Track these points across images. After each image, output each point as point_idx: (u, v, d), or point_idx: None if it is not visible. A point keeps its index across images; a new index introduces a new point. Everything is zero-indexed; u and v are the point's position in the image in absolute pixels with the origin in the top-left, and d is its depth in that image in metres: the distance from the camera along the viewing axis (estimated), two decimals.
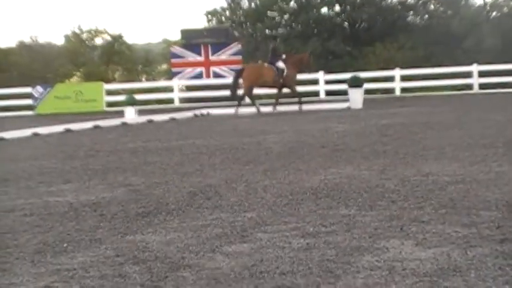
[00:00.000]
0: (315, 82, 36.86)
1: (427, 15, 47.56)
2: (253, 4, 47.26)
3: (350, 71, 33.56)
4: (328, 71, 37.68)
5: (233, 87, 28.41)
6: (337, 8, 47.75)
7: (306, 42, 43.96)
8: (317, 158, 11.56)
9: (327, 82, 36.84)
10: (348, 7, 46.64)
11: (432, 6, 47.48)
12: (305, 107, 27.73)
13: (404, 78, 36.29)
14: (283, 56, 28.12)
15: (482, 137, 13.46)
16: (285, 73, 27.52)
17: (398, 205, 7.27)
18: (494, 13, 45.17)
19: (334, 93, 34.91)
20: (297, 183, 9.03)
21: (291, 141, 15.01)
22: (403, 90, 36.32)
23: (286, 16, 47.18)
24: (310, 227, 6.40)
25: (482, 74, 35.10)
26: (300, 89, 30.05)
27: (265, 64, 28.31)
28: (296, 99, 27.90)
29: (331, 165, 10.54)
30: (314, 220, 6.70)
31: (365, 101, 28.09)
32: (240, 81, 28.36)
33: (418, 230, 6.06)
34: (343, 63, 41.88)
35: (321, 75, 36.68)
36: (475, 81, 35.00)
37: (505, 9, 44.81)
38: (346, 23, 47.83)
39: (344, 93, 29.60)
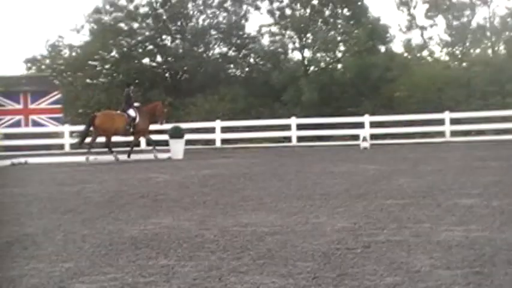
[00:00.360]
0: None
1: (247, 68, 48.55)
2: (74, 53, 46.75)
3: (171, 122, 33.62)
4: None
5: (83, 134, 28.03)
6: (158, 58, 47.98)
7: None
8: (137, 208, 11.54)
9: (148, 132, 36.75)
10: (169, 58, 46.93)
11: (252, 60, 48.52)
12: (125, 157, 27.59)
13: (224, 130, 36.77)
14: (136, 104, 28.18)
15: (300, 188, 13.84)
16: (136, 121, 27.49)
17: (218, 255, 7.38)
18: (312, 67, 46.63)
19: (156, 144, 34.84)
20: (116, 233, 8.99)
21: (111, 190, 14.88)
22: (224, 141, 36.79)
23: (107, 65, 46.90)
24: (129, 278, 6.41)
25: (300, 127, 36.08)
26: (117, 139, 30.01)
27: (118, 112, 28.05)
28: (150, 147, 28.50)
29: (151, 215, 10.55)
30: (133, 271, 6.70)
31: (186, 151, 28.24)
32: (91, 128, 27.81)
33: (237, 281, 6.18)
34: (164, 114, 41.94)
35: None
36: (294, 133, 35.92)
37: (322, 64, 46.39)
38: (167, 74, 48.07)
39: (165, 143, 29.62)
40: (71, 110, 44.00)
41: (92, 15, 46.93)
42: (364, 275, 6.27)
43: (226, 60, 48.08)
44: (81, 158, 27.54)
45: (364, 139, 31.62)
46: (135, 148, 30.20)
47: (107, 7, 47.07)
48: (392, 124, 35.82)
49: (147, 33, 47.10)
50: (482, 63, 43.60)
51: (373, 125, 35.23)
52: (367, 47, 44.51)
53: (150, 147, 28.45)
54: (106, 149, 27.89)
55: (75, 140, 29.07)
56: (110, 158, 27.10)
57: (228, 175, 17.98)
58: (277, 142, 36.67)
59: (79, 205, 12.26)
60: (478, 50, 48.81)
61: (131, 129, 27.62)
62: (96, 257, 7.48)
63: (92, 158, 26.96)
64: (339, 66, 46.86)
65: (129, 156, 27.28)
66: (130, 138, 28.72)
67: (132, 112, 27.57)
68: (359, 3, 46.55)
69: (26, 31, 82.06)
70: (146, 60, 47.95)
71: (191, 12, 47.98)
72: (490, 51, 48.33)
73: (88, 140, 27.93)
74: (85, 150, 27.71)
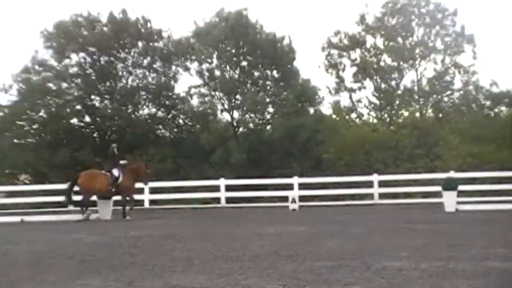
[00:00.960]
0: (63, 192, 36.27)
1: (176, 129, 48.58)
2: (1, 113, 46.20)
3: None
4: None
5: (68, 193, 27.95)
6: (87, 118, 47.72)
7: (55, 152, 43.39)
8: (65, 269, 11.41)
9: (76, 193, 36.36)
10: (98, 118, 46.70)
11: (181, 120, 48.59)
12: (53, 217, 27.29)
13: (153, 191, 36.58)
14: (122, 162, 28.47)
15: (229, 250, 13.84)
16: (119, 180, 27.54)
17: None
18: (241, 129, 46.87)
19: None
20: None
21: (39, 251, 14.68)
22: (152, 202, 36.60)
23: (35, 125, 46.44)
24: None
25: (229, 188, 36.10)
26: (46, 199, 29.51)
27: (102, 171, 28.11)
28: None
29: (79, 277, 10.45)
30: None
31: (114, 212, 28.02)
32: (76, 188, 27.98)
33: None
34: None
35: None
36: (222, 194, 35.90)
37: (251, 125, 46.64)
38: (96, 134, 47.79)
39: (93, 204, 29.32)
40: None
41: (20, 75, 46.56)
42: None
43: (155, 120, 48.07)
44: (8, 219, 27.12)
45: (293, 201, 31.74)
46: (64, 208, 29.89)
47: (36, 67, 46.81)
48: (321, 186, 36.10)
49: (75, 93, 46.85)
50: (410, 126, 44.39)
51: (302, 186, 35.43)
52: (296, 108, 45.03)
53: (127, 207, 28.07)
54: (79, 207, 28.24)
55: (63, 199, 28.83)
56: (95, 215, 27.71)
57: (156, 236, 17.89)
58: (206, 203, 36.62)
59: (6, 266, 12.07)
60: (406, 113, 49.72)
61: (113, 189, 27.59)
62: None
63: (94, 215, 27.51)
64: (268, 127, 47.17)
65: (124, 216, 27.18)
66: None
67: (115, 172, 27.65)
68: (289, 65, 47.14)
69: None
70: (74, 120, 47.62)
71: (120, 73, 47.95)
72: (418, 114, 49.29)
73: (77, 198, 28.45)
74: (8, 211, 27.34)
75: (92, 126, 47.70)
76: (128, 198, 28.16)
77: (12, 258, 13.33)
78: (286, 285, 9.22)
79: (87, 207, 27.50)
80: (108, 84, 47.50)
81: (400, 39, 49.46)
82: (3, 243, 16.74)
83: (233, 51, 46.82)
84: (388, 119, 49.57)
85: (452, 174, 31.90)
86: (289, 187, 34.95)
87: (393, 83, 49.53)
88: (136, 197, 36.18)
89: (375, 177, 35.01)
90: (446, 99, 50.15)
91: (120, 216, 27.36)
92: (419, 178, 35.00)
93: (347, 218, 23.86)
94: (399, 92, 49.46)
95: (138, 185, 36.05)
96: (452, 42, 49.37)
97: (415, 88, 49.59)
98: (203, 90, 47.93)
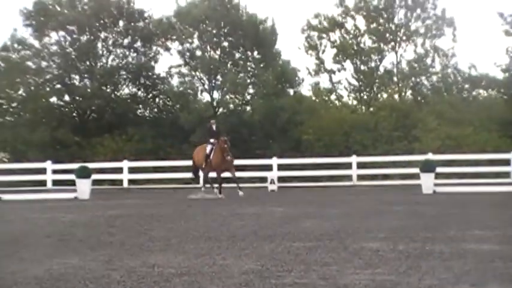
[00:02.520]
0: (42, 171, 36.20)
1: (156, 109, 48.49)
2: None
3: (78, 161, 33.31)
4: (56, 160, 37.20)
5: (192, 171, 29.30)
6: (66, 97, 47.49)
7: (34, 130, 43.22)
8: (42, 248, 11.36)
9: (55, 171, 36.28)
10: (77, 97, 46.50)
11: (161, 101, 48.47)
12: (31, 196, 27.20)
13: (132, 170, 36.52)
14: (211, 140, 27.58)
15: (207, 230, 13.83)
16: (210, 157, 27.29)
17: None
18: (221, 109, 46.81)
19: (62, 183, 34.44)
20: (21, 273, 8.83)
21: (17, 229, 14.64)
22: (131, 181, 36.52)
23: (14, 104, 46.20)
24: None
25: None
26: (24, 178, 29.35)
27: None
28: None
29: (56, 255, 10.40)
30: None
31: (93, 191, 27.95)
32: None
33: None
34: (71, 153, 41.54)
35: (48, 165, 36.11)
36: (201, 175, 35.74)
37: (231, 106, 46.60)
38: (75, 113, 47.63)
39: (72, 183, 29.25)
40: None
41: None
42: None
43: (135, 100, 47.97)
44: None
45: (272, 182, 31.82)
46: (43, 187, 29.77)
47: (15, 45, 46.50)
48: (299, 167, 36.17)
49: (55, 72, 46.66)
50: (388, 108, 44.45)
51: (281, 167, 35.45)
52: (276, 90, 45.07)
53: (208, 185, 28.12)
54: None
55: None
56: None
57: (135, 215, 17.86)
58: (185, 183, 36.55)
59: None
60: (385, 95, 49.81)
61: (203, 165, 27.64)
62: None
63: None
64: (248, 108, 47.16)
65: (220, 193, 26.87)
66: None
67: (208, 148, 27.54)
68: (269, 47, 47.11)
69: None
70: (54, 99, 47.46)
71: (100, 52, 47.76)
72: (397, 96, 49.39)
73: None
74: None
75: (72, 105, 47.57)
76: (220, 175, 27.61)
77: None
78: (264, 265, 9.22)
79: (207, 183, 27.97)
80: (87, 63, 47.31)
81: (381, 21, 49.39)
82: None
83: (214, 31, 46.74)
84: (367, 101, 49.61)
85: (430, 156, 31.99)
86: (268, 168, 34.96)
87: (373, 64, 49.53)
88: (115, 176, 36.24)
89: (354, 159, 35.09)
90: (425, 81, 50.24)
91: (98, 196, 27.31)
92: (397, 160, 35.11)
93: (325, 199, 23.93)
94: (379, 73, 49.48)
95: (117, 164, 36.18)
96: (433, 25, 49.41)
97: (395, 70, 49.64)
98: (183, 70, 47.92)
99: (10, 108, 46.31)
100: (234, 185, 27.72)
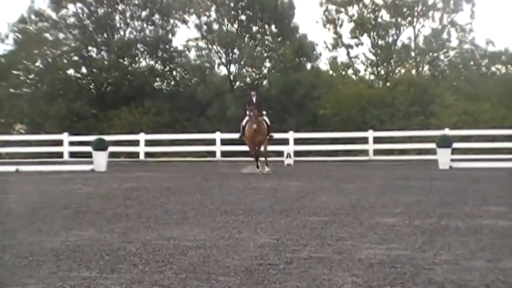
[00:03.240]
0: (59, 143, 36.31)
1: (173, 82, 48.46)
2: None
3: (95, 134, 33.40)
4: (73, 132, 37.30)
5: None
6: (83, 70, 47.56)
7: (51, 102, 43.36)
8: (59, 220, 11.42)
9: (71, 143, 36.37)
10: (95, 70, 46.59)
11: (178, 74, 48.43)
12: (48, 167, 27.34)
13: (148, 143, 36.57)
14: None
15: (223, 203, 13.85)
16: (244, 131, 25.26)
17: (140, 268, 7.35)
18: (237, 83, 46.75)
19: (79, 155, 34.53)
20: (37, 244, 8.88)
21: (33, 201, 14.69)
22: (147, 154, 36.56)
23: (31, 75, 46.32)
24: None
25: (224, 142, 35.97)
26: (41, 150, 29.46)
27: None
28: None
29: (73, 227, 10.46)
30: (54, 282, 6.64)
31: (109, 164, 28.01)
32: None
33: None
34: (88, 126, 41.65)
35: (65, 137, 36.20)
36: (218, 148, 35.83)
37: (248, 80, 46.51)
38: (92, 85, 47.70)
39: (88, 155, 29.32)
40: None
41: (17, 25, 46.38)
42: None
43: (152, 73, 47.94)
44: (3, 168, 27.09)
45: (288, 156, 31.77)
46: (60, 159, 29.84)
47: (33, 17, 46.57)
48: (316, 141, 36.11)
49: (72, 44, 46.72)
50: (406, 84, 44.25)
51: (298, 141, 35.40)
52: (293, 64, 44.90)
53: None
54: None
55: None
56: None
57: (151, 188, 17.91)
58: (202, 157, 36.60)
59: (0, 215, 12.07)
60: (402, 70, 49.58)
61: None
62: (17, 268, 7.38)
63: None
64: (265, 82, 47.05)
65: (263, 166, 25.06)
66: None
67: (244, 121, 25.43)
68: (287, 21, 46.95)
69: None
70: (71, 71, 47.54)
71: (118, 25, 47.79)
72: (414, 71, 49.15)
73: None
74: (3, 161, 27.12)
75: (89, 78, 47.64)
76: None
77: (7, 208, 13.35)
78: (279, 239, 9.23)
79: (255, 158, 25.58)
80: (105, 35, 47.36)
81: None
82: None
83: (232, 4, 46.63)
84: (384, 76, 49.40)
85: (447, 131, 31.88)
86: (285, 142, 34.88)
87: (390, 39, 49.26)
88: (132, 149, 36.30)
89: (370, 134, 34.98)
90: (442, 57, 49.93)
91: (115, 168, 27.37)
92: (414, 135, 35.02)
93: (341, 173, 23.89)
94: (396, 48, 49.21)
95: (134, 137, 36.22)
96: (451, 0, 49.05)
97: (412, 45, 49.36)
98: (201, 43, 47.87)
99: (27, 80, 46.46)
100: (243, 158, 27.36)
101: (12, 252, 8.36)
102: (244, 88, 45.66)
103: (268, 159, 26.40)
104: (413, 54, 49.43)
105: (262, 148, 25.59)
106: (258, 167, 25.09)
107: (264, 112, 25.74)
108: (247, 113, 24.79)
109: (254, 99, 25.26)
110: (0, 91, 44.72)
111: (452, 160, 27.26)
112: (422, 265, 7.49)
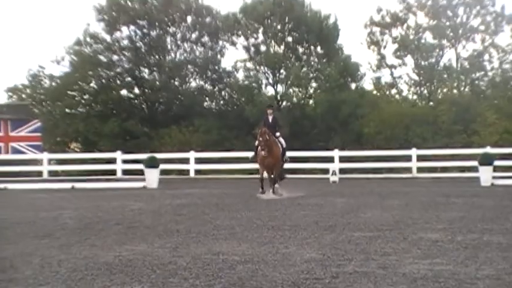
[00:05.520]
0: (112, 161, 36.64)
1: (222, 101, 48.64)
2: (54, 83, 46.65)
3: (147, 152, 33.63)
4: (126, 150, 37.60)
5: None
6: (136, 90, 48.01)
7: (104, 121, 43.82)
8: (112, 235, 11.51)
9: (124, 161, 36.66)
10: (147, 90, 47.02)
11: (227, 93, 48.61)
12: (102, 184, 27.61)
13: (198, 161, 36.72)
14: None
15: (270, 219, 13.86)
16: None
17: (190, 282, 7.38)
18: (284, 102, 46.83)
19: (131, 173, 34.77)
20: (91, 259, 8.96)
21: (87, 217, 14.83)
22: (197, 171, 36.71)
23: (86, 96, 46.89)
24: None
25: None
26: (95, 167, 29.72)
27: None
28: None
29: (125, 242, 10.53)
30: None
31: (161, 181, 28.17)
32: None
33: None
34: (140, 144, 41.95)
35: (118, 155, 36.50)
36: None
37: (294, 99, 46.57)
38: (144, 105, 48.10)
39: (141, 172, 29.52)
40: (50, 139, 43.89)
41: (73, 47, 47.00)
42: None
43: (202, 93, 48.18)
44: (59, 185, 27.41)
45: (334, 173, 31.68)
46: (113, 176, 30.04)
47: (88, 39, 47.15)
48: (360, 159, 35.97)
49: (125, 66, 47.21)
50: (448, 103, 43.94)
51: (342, 159, 35.32)
52: (339, 84, 44.83)
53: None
54: None
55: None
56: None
57: (201, 204, 17.98)
58: (249, 174, 36.61)
59: (56, 230, 12.21)
60: (444, 90, 49.25)
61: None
62: (72, 281, 7.45)
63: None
64: (311, 101, 47.03)
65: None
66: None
67: (257, 142, 22.36)
68: (332, 42, 47.00)
69: (7, 61, 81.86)
70: (124, 92, 47.99)
71: (169, 46, 48.17)
72: (455, 91, 48.80)
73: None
74: (59, 178, 27.33)
75: (141, 98, 48.07)
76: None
77: (63, 224, 13.48)
78: (325, 254, 9.21)
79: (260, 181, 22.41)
80: (157, 57, 47.79)
81: (442, 18, 48.94)
82: (54, 209, 16.95)
83: (279, 27, 46.78)
84: (427, 95, 49.14)
85: (488, 149, 31.54)
86: (330, 160, 34.86)
87: (433, 60, 49.02)
88: (182, 166, 36.47)
89: (413, 152, 34.78)
90: (483, 77, 49.53)
91: (166, 185, 27.51)
92: (456, 153, 34.67)
93: (385, 190, 23.75)
94: (438, 68, 48.94)
95: (184, 155, 36.41)
96: (492, 22, 48.74)
97: (454, 66, 49.06)
98: (249, 64, 48.00)
99: (82, 100, 46.97)
100: (295, 175, 26.77)
101: (67, 266, 8.45)
102: (291, 107, 45.78)
103: (314, 176, 25.94)
104: (455, 74, 49.09)
105: (273, 173, 22.19)
106: (263, 190, 21.63)
107: (278, 134, 22.59)
108: (258, 136, 21.91)
109: (270, 118, 22.45)
110: (56, 111, 45.33)
111: (494, 177, 27.02)
112: (464, 280, 7.42)
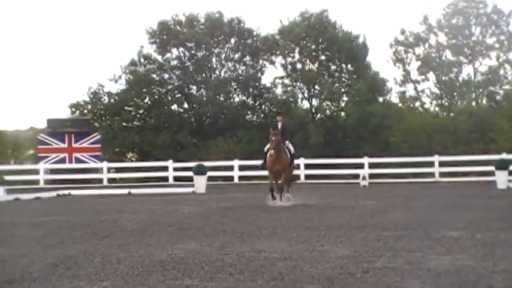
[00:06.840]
0: (164, 169, 36.84)
1: (262, 114, 48.69)
2: (112, 99, 47.09)
3: (195, 160, 33.74)
4: (177, 159, 37.78)
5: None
6: (185, 105, 48.31)
7: (157, 134, 44.17)
8: (165, 235, 11.57)
9: (175, 169, 36.82)
10: (195, 105, 47.29)
11: (266, 108, 48.67)
12: (155, 190, 27.76)
13: (242, 168, 36.76)
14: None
15: (307, 220, 13.83)
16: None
17: (235, 277, 7.39)
18: (318, 115, 46.81)
19: (181, 179, 34.92)
20: (147, 257, 9.02)
21: (143, 219, 14.92)
22: (241, 178, 36.73)
23: (140, 111, 47.28)
24: None
25: (307, 167, 35.96)
26: (150, 175, 29.85)
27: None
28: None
29: (177, 241, 10.58)
30: None
31: (208, 186, 28.24)
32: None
33: None
34: (189, 153, 42.10)
35: (170, 163, 36.70)
36: (302, 172, 35.72)
37: (328, 112, 46.55)
38: (193, 119, 48.33)
39: (190, 179, 29.62)
40: (109, 149, 44.35)
41: (128, 67, 47.49)
42: None
43: (244, 107, 48.30)
44: (117, 191, 27.64)
45: (364, 178, 31.56)
46: (166, 183, 30.13)
47: (142, 60, 47.63)
48: (388, 165, 35.80)
49: (175, 83, 47.54)
50: (467, 114, 43.64)
51: (372, 165, 35.20)
52: (367, 98, 44.70)
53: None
54: None
55: None
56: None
57: (244, 207, 18.00)
58: None
59: (115, 232, 12.30)
60: (463, 102, 48.93)
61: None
62: (130, 277, 7.51)
63: None
64: (342, 114, 46.94)
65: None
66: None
67: (266, 148, 20.37)
68: (361, 60, 46.93)
69: (70, 80, 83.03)
70: (174, 107, 48.37)
71: (214, 66, 48.40)
72: (474, 103, 48.46)
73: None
74: (117, 185, 27.47)
75: (190, 112, 48.37)
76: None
77: (121, 226, 13.57)
78: (357, 251, 9.18)
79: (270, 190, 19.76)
80: (203, 75, 48.05)
81: (460, 37, 48.73)
82: (113, 213, 17.07)
83: (313, 47, 46.81)
84: (448, 107, 48.85)
85: (504, 155, 31.23)
86: (360, 166, 34.76)
87: (453, 75, 48.77)
88: (227, 173, 36.54)
89: (436, 158, 34.56)
90: (499, 90, 49.15)
91: (213, 190, 27.58)
92: (475, 159, 34.35)
93: (410, 193, 23.57)
94: (458, 83, 48.66)
95: (229, 163, 36.48)
96: (505, 40, 48.49)
97: (472, 80, 48.72)
98: (286, 81, 48.23)
99: (137, 115, 47.40)
100: (324, 180, 26.15)
101: (125, 263, 8.51)
102: (325, 119, 45.76)
103: (345, 181, 25.67)
104: (473, 88, 48.74)
105: (281, 179, 19.87)
106: (273, 197, 19.42)
107: (287, 142, 20.38)
108: (270, 136, 19.59)
109: (279, 125, 20.11)
110: (114, 124, 45.81)
111: (510, 181, 26.71)
112: (483, 274, 7.36)
